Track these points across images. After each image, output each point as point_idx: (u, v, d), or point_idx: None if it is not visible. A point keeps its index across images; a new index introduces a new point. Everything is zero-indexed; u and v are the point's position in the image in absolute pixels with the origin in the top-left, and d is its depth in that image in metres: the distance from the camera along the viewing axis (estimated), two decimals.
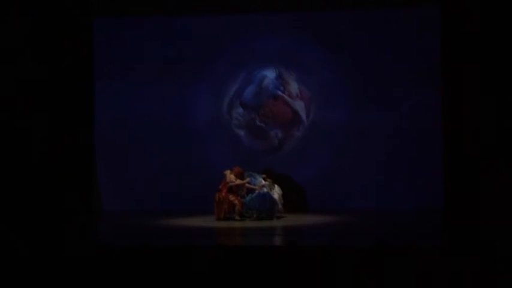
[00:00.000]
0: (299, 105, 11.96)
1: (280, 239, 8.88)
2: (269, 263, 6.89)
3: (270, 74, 12.03)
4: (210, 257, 7.04)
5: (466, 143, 10.17)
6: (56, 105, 10.85)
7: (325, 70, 11.88)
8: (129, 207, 11.69)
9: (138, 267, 6.98)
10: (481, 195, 9.45)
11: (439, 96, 11.11)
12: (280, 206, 10.52)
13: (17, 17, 10.41)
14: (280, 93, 12.00)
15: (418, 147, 11.47)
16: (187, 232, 9.24)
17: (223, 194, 10.42)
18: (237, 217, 10.34)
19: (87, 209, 11.05)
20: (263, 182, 10.57)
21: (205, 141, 12.07)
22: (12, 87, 10.33)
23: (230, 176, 10.58)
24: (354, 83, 11.79)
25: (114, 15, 11.81)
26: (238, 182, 10.57)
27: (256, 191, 10.45)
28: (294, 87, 12.03)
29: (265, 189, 10.44)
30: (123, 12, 11.72)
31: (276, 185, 10.67)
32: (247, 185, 10.56)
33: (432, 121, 11.16)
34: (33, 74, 10.55)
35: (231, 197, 10.42)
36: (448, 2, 10.66)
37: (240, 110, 12.09)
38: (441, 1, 10.83)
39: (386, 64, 11.68)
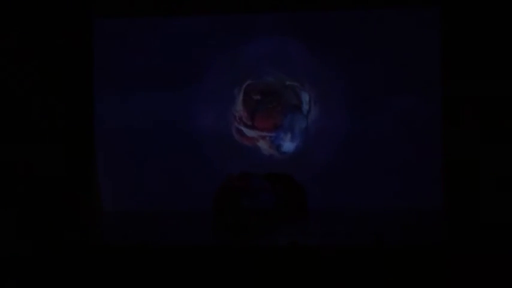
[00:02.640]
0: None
1: (282, 240, 8.86)
2: (269, 263, 6.89)
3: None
4: (210, 257, 7.04)
5: (467, 143, 10.19)
6: (55, 105, 10.87)
7: (323, 71, 11.86)
8: (129, 208, 11.67)
9: (138, 267, 6.98)
10: (481, 195, 9.47)
11: (439, 96, 11.13)
12: (281, 205, 10.50)
13: (15, 17, 10.42)
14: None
15: (418, 147, 11.45)
16: (187, 232, 9.23)
17: (222, 191, 10.39)
18: (237, 216, 10.32)
19: (87, 209, 11.06)
20: (265, 182, 10.54)
21: (207, 143, 12.05)
22: (12, 87, 10.35)
23: (232, 177, 10.57)
24: (352, 84, 11.77)
25: (114, 16, 11.79)
26: (242, 182, 10.55)
27: (260, 191, 10.44)
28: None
29: (267, 188, 10.42)
30: (123, 13, 11.71)
31: (277, 185, 10.65)
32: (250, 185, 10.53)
33: (432, 121, 11.16)
34: (32, 74, 10.57)
35: (231, 195, 10.39)
36: (449, 2, 10.67)
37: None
38: (441, 1, 10.83)
39: (385, 64, 11.65)
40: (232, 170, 11.27)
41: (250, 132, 11.94)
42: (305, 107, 12.25)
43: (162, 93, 11.98)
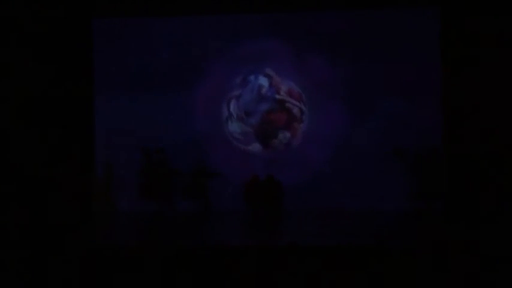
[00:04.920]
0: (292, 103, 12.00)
1: (282, 240, 8.88)
2: (269, 263, 6.89)
3: (263, 82, 12.06)
4: (210, 257, 7.05)
5: (467, 143, 10.19)
6: (56, 106, 10.87)
7: (321, 72, 11.87)
8: (129, 209, 11.68)
9: (138, 267, 6.99)
10: (481, 195, 9.47)
11: (439, 97, 11.13)
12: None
13: (15, 17, 10.42)
14: (278, 97, 12.02)
15: (419, 148, 11.46)
16: (187, 232, 9.25)
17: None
18: None
19: (88, 209, 11.06)
20: None
21: (207, 144, 12.05)
22: (12, 87, 10.35)
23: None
24: (351, 84, 11.78)
25: (113, 16, 11.80)
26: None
27: None
28: (284, 87, 12.06)
29: None
30: (121, 13, 11.72)
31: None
32: None
33: (432, 121, 11.17)
34: (32, 75, 10.57)
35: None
36: (448, 2, 10.66)
37: (238, 124, 12.13)
38: (441, 1, 10.82)
39: (384, 65, 11.66)
40: (231, 171, 11.33)
41: (298, 122, 12.04)
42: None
43: (161, 93, 11.99)
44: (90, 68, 11.74)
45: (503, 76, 10.07)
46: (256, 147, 11.99)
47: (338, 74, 11.81)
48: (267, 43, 11.94)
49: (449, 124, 10.82)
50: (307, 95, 11.95)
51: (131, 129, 11.87)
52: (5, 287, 6.82)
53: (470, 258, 6.80)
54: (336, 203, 11.57)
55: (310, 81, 11.94)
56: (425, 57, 11.34)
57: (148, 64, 11.93)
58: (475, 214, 9.14)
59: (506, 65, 10.03)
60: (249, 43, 11.97)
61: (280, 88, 11.99)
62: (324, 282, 6.76)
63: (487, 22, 10.12)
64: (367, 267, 6.79)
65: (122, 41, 11.92)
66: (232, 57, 11.98)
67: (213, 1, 11.59)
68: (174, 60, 11.95)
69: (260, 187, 10.92)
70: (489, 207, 9.33)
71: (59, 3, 10.82)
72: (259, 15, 11.89)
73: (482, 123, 10.21)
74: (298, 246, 7.22)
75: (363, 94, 11.72)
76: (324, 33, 11.83)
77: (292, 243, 7.35)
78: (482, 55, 10.10)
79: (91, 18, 11.68)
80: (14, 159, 10.08)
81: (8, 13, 10.27)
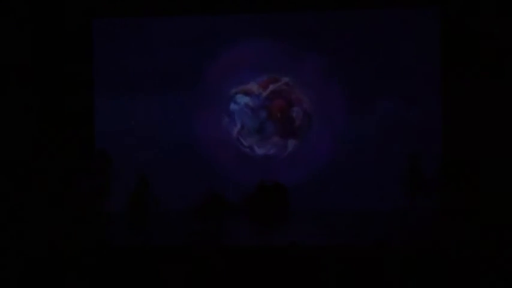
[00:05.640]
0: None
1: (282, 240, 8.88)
2: (269, 263, 6.90)
3: (244, 99, 12.08)
4: (210, 257, 7.05)
5: (467, 143, 10.19)
6: (56, 106, 10.87)
7: (321, 73, 11.87)
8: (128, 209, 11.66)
9: (138, 267, 6.99)
10: (480, 194, 9.47)
11: (439, 97, 11.13)
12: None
13: (15, 18, 10.42)
14: (262, 96, 12.07)
15: (418, 148, 11.45)
16: (187, 232, 9.24)
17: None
18: None
19: (87, 209, 11.05)
20: None
21: (205, 144, 12.06)
22: (12, 86, 10.34)
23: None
24: (350, 85, 11.78)
25: (113, 16, 11.80)
26: None
27: None
28: (253, 86, 12.11)
29: None
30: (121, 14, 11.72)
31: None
32: None
33: (431, 122, 11.16)
34: (32, 75, 10.57)
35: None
36: (448, 2, 10.66)
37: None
38: (441, 1, 10.82)
39: (384, 65, 11.65)
40: (230, 171, 11.34)
41: (293, 92, 12.02)
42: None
43: (161, 94, 11.98)
44: (90, 68, 11.72)
45: (503, 76, 10.07)
46: (292, 143, 12.01)
47: (338, 74, 11.81)
48: (267, 43, 11.95)
49: (449, 124, 10.81)
50: (306, 96, 11.96)
51: (131, 129, 11.88)
52: (7, 287, 6.82)
53: (470, 258, 6.80)
54: (336, 203, 11.57)
55: (310, 82, 11.94)
56: (425, 57, 11.34)
57: (148, 64, 11.93)
58: (474, 214, 9.14)
59: (506, 65, 10.02)
60: (249, 43, 11.98)
61: (253, 91, 12.03)
62: (324, 282, 6.77)
63: (487, 22, 10.12)
64: (367, 267, 6.80)
65: (121, 41, 11.93)
66: (232, 57, 11.99)
67: (213, 1, 11.59)
68: (174, 60, 11.94)
69: (265, 192, 10.89)
70: (488, 207, 9.33)
71: (59, 3, 10.83)
72: (258, 15, 11.89)
73: (482, 123, 10.20)
74: (298, 246, 7.22)
75: (362, 94, 11.72)
76: (323, 33, 11.82)
77: (292, 243, 7.35)
78: (482, 55, 10.10)
79: (91, 18, 11.67)
80: (14, 159, 10.07)
81: (7, 13, 10.28)
